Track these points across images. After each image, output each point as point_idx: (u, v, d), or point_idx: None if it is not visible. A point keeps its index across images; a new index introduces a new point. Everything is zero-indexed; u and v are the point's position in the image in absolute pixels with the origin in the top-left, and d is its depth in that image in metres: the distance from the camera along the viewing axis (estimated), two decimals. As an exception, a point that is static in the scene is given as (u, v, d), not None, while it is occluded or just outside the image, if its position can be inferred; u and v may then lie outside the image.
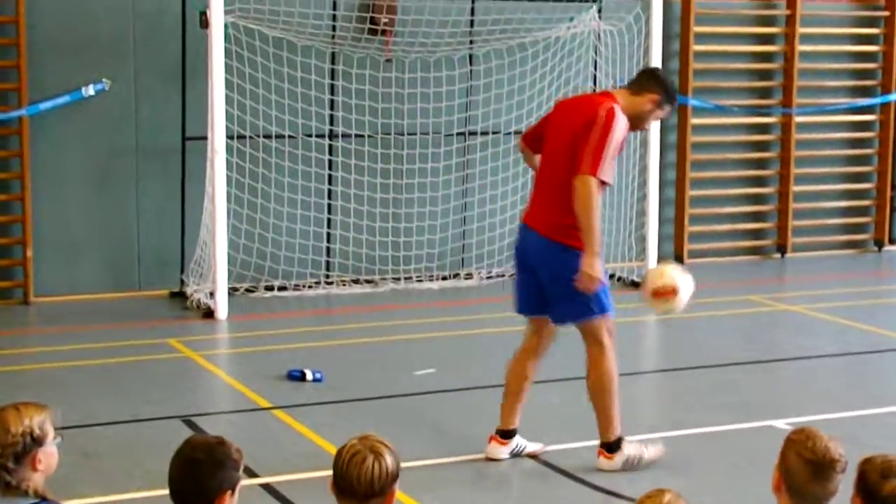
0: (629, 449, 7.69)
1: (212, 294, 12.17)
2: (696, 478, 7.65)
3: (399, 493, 7.14)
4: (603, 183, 7.35)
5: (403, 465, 7.57)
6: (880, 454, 4.45)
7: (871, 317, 12.29)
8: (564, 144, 7.44)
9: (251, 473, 7.56)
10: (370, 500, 4.14)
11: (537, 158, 7.82)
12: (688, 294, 7.65)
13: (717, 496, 7.31)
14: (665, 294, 7.62)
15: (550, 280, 7.54)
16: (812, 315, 12.46)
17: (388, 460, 4.15)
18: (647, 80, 7.80)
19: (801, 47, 15.73)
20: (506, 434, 7.87)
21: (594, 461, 7.75)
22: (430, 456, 7.92)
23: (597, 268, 7.30)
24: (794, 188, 15.95)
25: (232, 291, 12.69)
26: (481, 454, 7.93)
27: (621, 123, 7.40)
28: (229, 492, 4.14)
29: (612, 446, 7.68)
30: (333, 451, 7.71)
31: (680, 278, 7.65)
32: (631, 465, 7.64)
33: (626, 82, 13.98)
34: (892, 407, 9.22)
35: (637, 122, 7.71)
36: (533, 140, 7.91)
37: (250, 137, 13.08)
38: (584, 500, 7.27)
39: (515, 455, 7.88)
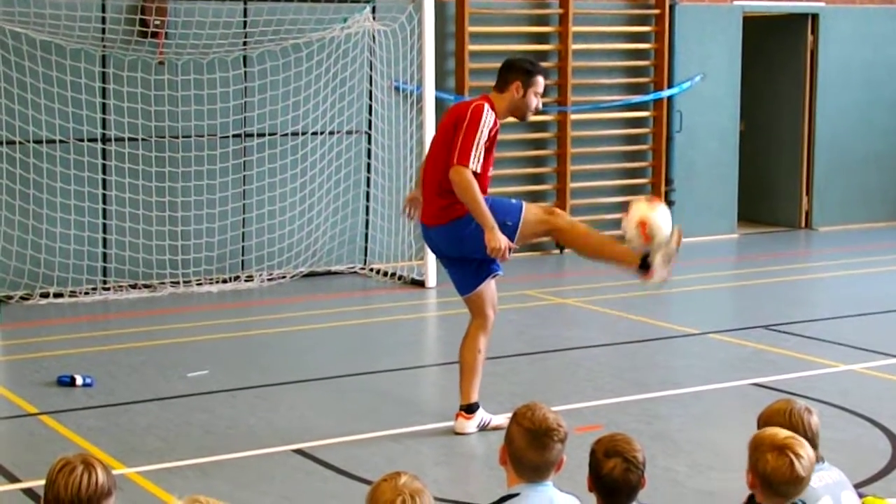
0: (482, 414, 8.44)
1: (-18, 303, 11.97)
2: (457, 468, 7.84)
3: (161, 493, 7.19)
4: (475, 173, 8.00)
5: (169, 465, 7.69)
6: (609, 434, 4.62)
7: (643, 308, 12.60)
8: (439, 142, 8.29)
9: (13, 479, 7.49)
10: None
11: None
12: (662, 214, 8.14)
13: (481, 484, 7.49)
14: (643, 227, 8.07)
15: (473, 251, 8.22)
16: (586, 308, 12.74)
17: (100, 474, 4.00)
18: (505, 74, 8.37)
19: (574, 46, 16.05)
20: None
21: (355, 455, 7.91)
22: (200, 455, 7.92)
23: (500, 237, 8.00)
24: (572, 184, 16.26)
25: (6, 300, 12.52)
26: (248, 452, 7.99)
27: (488, 118, 8.07)
28: None
29: (471, 407, 8.44)
30: (99, 454, 7.71)
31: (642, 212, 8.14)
32: (483, 427, 8.37)
33: (401, 82, 14.35)
34: (651, 393, 9.51)
35: (519, 112, 8.37)
36: None
37: (20, 143, 12.87)
38: (347, 491, 7.34)
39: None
